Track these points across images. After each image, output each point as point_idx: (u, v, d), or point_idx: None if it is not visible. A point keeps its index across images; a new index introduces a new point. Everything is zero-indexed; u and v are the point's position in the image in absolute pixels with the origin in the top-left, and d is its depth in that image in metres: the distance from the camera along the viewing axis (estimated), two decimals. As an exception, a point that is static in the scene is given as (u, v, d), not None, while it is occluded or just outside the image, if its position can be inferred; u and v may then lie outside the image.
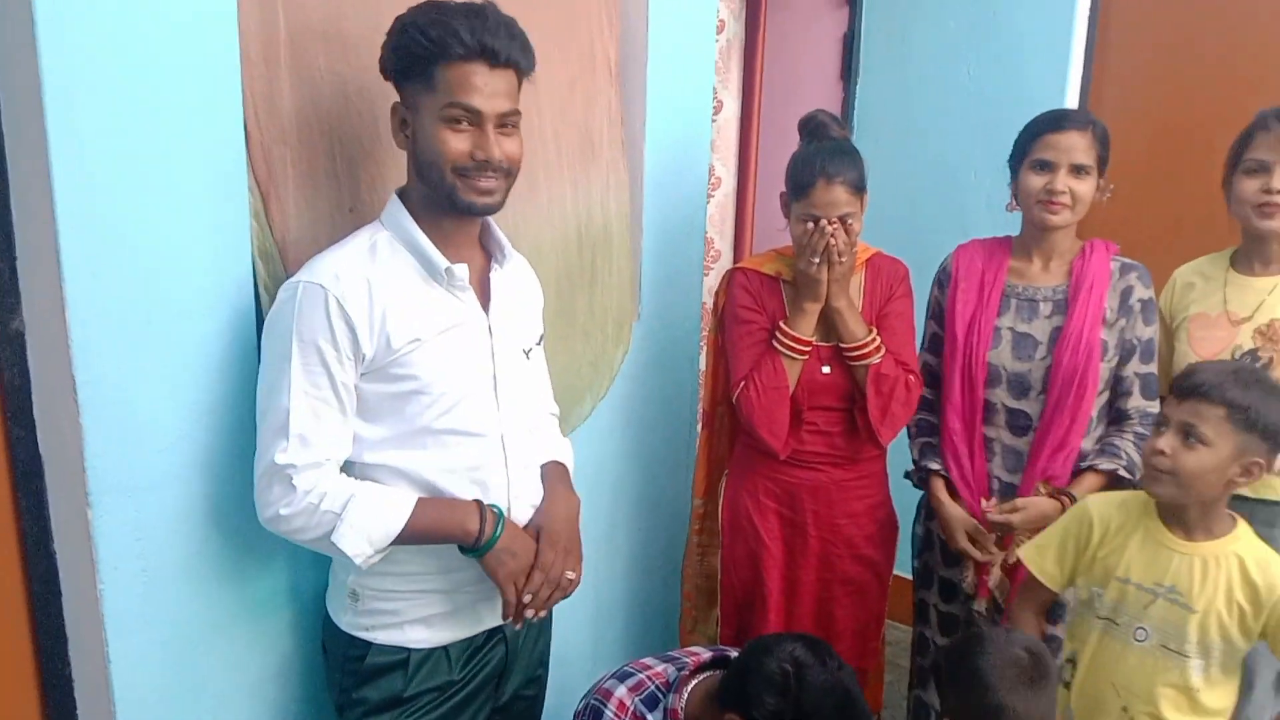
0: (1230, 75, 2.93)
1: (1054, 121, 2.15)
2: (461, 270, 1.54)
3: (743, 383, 2.24)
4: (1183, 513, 1.76)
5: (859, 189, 2.15)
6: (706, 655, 1.98)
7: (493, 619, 1.67)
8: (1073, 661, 1.92)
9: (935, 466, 2.27)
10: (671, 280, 2.63)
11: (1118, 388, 2.18)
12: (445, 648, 1.63)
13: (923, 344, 2.38)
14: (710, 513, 2.51)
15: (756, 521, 2.35)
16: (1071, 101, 3.11)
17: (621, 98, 2.30)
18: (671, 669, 1.95)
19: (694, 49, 2.59)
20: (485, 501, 1.57)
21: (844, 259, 2.14)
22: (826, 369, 2.24)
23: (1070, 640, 1.94)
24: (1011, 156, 2.23)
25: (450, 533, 1.54)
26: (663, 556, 2.80)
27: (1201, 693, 1.77)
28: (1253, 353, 2.08)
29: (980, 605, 2.28)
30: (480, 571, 1.59)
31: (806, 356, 2.21)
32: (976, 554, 2.19)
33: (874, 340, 2.20)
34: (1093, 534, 1.86)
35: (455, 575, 1.61)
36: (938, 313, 2.34)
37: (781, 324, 2.21)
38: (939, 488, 2.26)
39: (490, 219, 1.63)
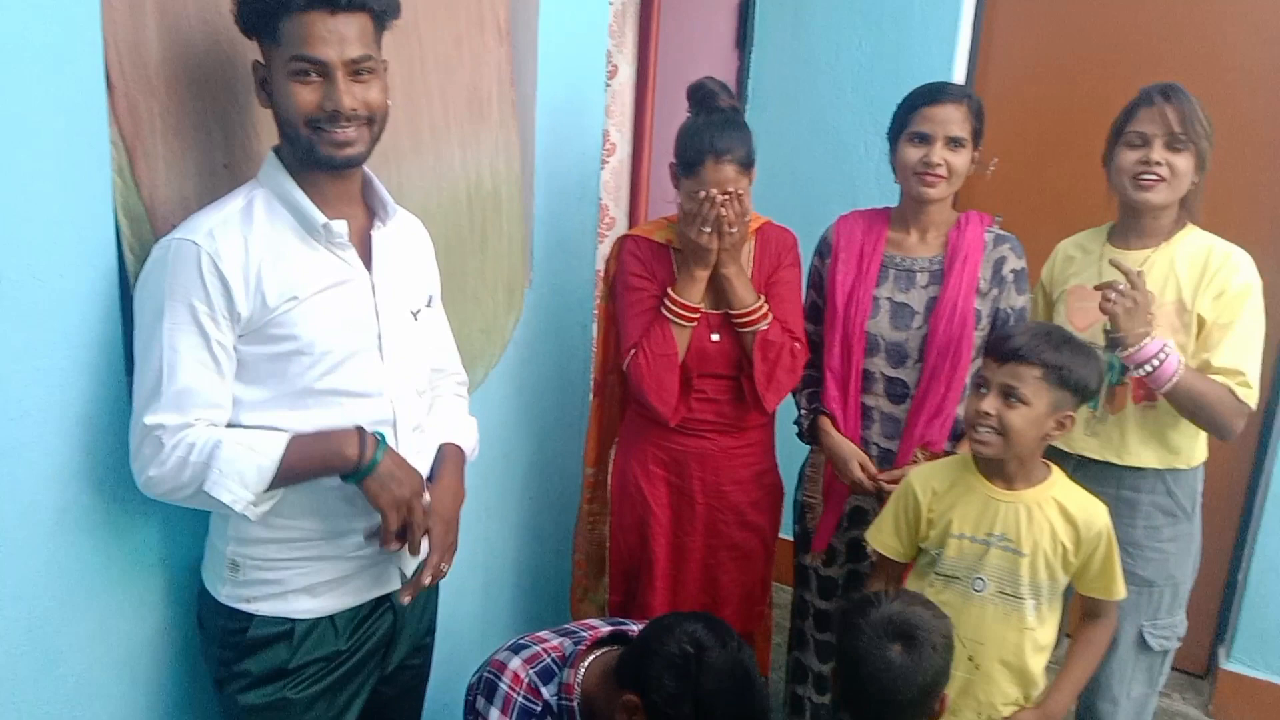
0: (1113, 52, 3.03)
1: (930, 94, 2.18)
2: (340, 226, 1.49)
3: (633, 350, 2.23)
4: (1003, 466, 1.86)
5: (747, 165, 2.15)
6: (604, 630, 1.96)
7: (380, 587, 1.64)
8: None
9: (823, 409, 2.31)
10: (564, 246, 2.60)
11: None
12: (331, 617, 1.59)
13: (805, 312, 2.38)
14: (601, 481, 2.51)
15: (645, 489, 2.36)
16: (959, 76, 3.17)
17: (512, 59, 2.26)
18: (568, 643, 1.93)
19: (586, 11, 2.55)
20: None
21: (734, 229, 2.14)
22: (715, 336, 2.25)
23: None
24: (890, 129, 2.26)
25: (329, 461, 1.48)
26: (555, 525, 2.79)
27: (1036, 631, 1.88)
28: (1111, 283, 2.11)
29: (814, 560, 2.39)
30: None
31: (695, 323, 2.22)
32: (869, 485, 2.23)
33: (762, 307, 2.22)
34: (919, 504, 1.94)
35: (342, 541, 1.57)
36: (818, 282, 2.37)
37: (670, 291, 2.21)
38: (828, 424, 2.30)
39: (373, 176, 1.58)
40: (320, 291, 1.48)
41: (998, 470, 1.88)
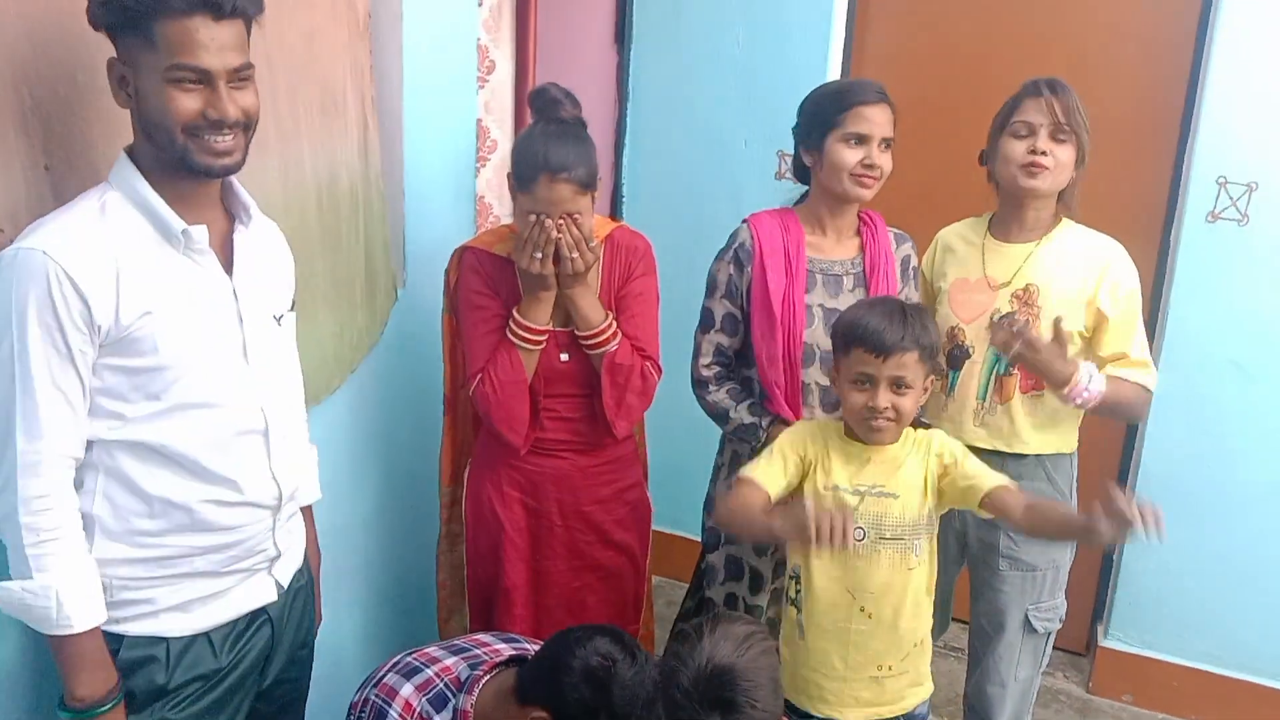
0: (983, 48, 3.08)
1: (866, 93, 2.12)
2: (200, 232, 1.44)
3: (479, 376, 2.13)
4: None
5: (587, 185, 2.01)
6: (504, 651, 1.89)
7: (256, 600, 1.60)
8: (796, 579, 1.98)
9: (779, 417, 2.19)
10: (440, 247, 2.53)
11: None
12: (207, 634, 1.55)
13: (711, 324, 2.27)
14: (458, 499, 2.40)
15: (500, 512, 2.26)
16: (834, 71, 3.20)
17: (373, 54, 2.20)
18: (462, 665, 1.85)
19: (454, 6, 2.50)
20: (240, 495, 1.51)
21: (575, 255, 2.01)
22: (565, 356, 2.16)
23: (793, 557, 1.99)
24: (807, 126, 2.19)
25: (69, 676, 1.42)
26: (432, 538, 2.73)
27: (918, 570, 1.94)
28: (1010, 315, 2.18)
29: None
30: (246, 548, 1.55)
31: (542, 345, 2.12)
32: None
33: (610, 327, 2.12)
34: (797, 447, 1.96)
35: (218, 555, 1.52)
36: (733, 292, 2.24)
37: (515, 313, 2.10)
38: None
39: (233, 179, 1.53)
40: (180, 301, 1.43)
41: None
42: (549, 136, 2.00)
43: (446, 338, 2.33)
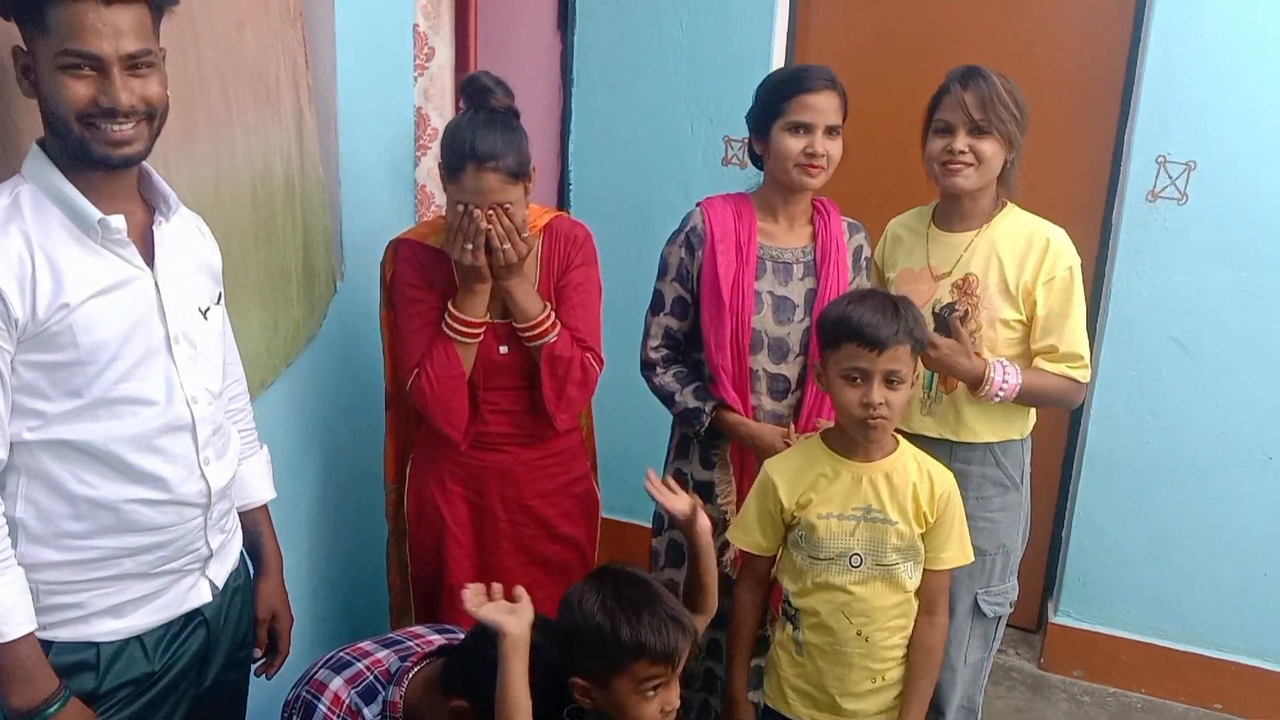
0: (930, 29, 3.10)
1: (808, 81, 2.10)
2: (117, 221, 1.39)
3: (415, 371, 2.09)
4: (857, 442, 1.90)
5: (517, 174, 1.97)
6: (436, 641, 1.88)
7: (189, 601, 1.56)
8: (794, 607, 1.97)
9: (722, 402, 2.18)
10: (379, 236, 2.48)
11: None
12: (139, 637, 1.51)
13: (660, 306, 2.27)
14: (402, 498, 2.36)
15: (442, 508, 2.22)
16: (779, 54, 3.19)
17: (307, 41, 2.15)
18: (393, 657, 1.85)
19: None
20: (168, 493, 1.48)
21: (507, 246, 1.97)
22: (504, 348, 2.12)
23: (791, 584, 1.98)
24: (756, 114, 2.18)
25: (4, 686, 1.38)
26: (380, 534, 2.69)
27: (912, 592, 1.93)
28: (950, 305, 2.18)
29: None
30: (177, 548, 1.51)
31: (480, 338, 2.09)
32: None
33: (548, 319, 2.09)
34: (780, 494, 1.94)
35: (148, 556, 1.49)
36: (683, 275, 2.23)
37: (451, 306, 2.06)
38: (734, 416, 2.19)
39: (151, 170, 1.49)
40: (98, 294, 1.38)
41: (854, 447, 1.90)
42: (477, 125, 1.96)
43: (385, 333, 2.29)
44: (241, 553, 1.73)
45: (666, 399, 2.25)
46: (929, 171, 2.20)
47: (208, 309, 1.57)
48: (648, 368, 2.28)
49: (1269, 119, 2.74)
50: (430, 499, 2.24)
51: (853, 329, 1.81)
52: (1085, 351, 2.18)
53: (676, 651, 1.61)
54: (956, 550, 1.94)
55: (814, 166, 2.09)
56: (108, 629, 1.48)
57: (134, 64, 1.35)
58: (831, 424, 2.13)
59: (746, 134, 3.19)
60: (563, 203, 3.48)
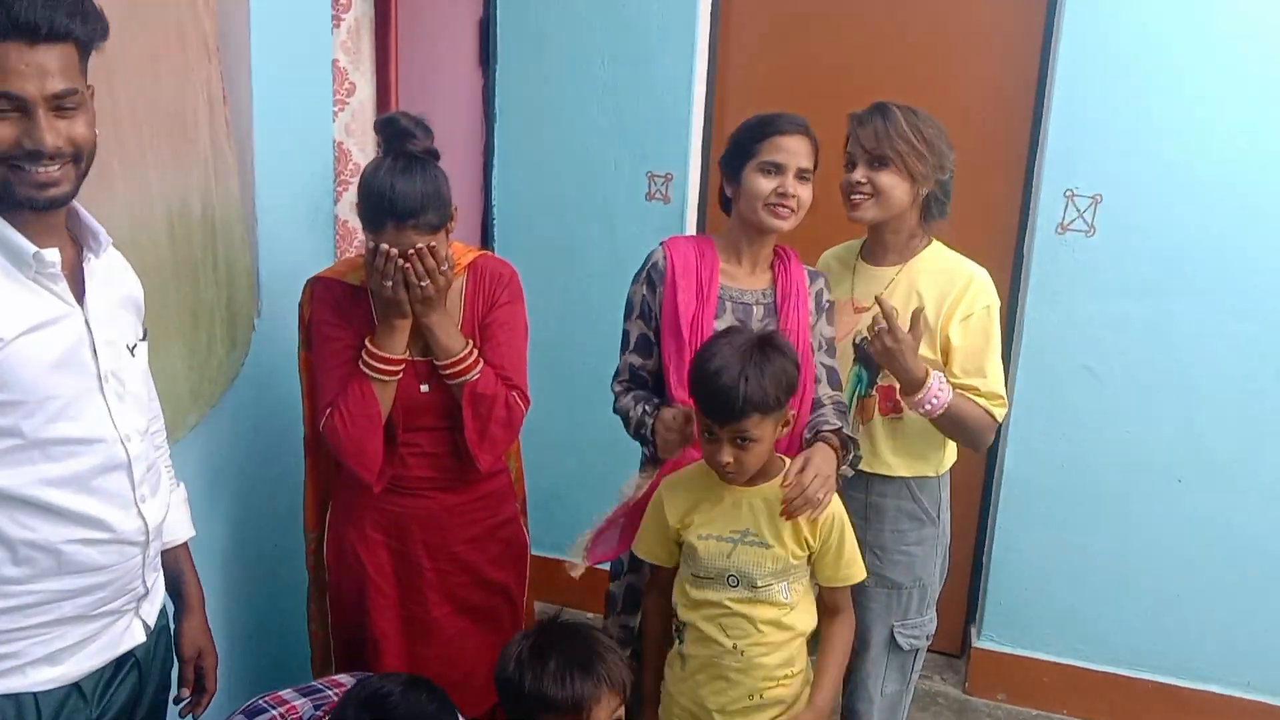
0: (848, 67, 3.16)
1: (782, 124, 2.09)
2: (52, 255, 1.36)
3: (329, 409, 2.02)
4: None
5: (437, 226, 1.94)
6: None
7: (125, 643, 1.53)
8: (681, 621, 1.99)
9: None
10: (297, 274, 2.43)
11: None
12: (77, 684, 1.46)
13: (626, 345, 2.24)
14: (322, 546, 2.28)
15: (363, 556, 2.15)
16: (699, 89, 3.23)
17: (224, 76, 2.12)
18: (308, 706, 1.81)
19: (305, 25, 2.42)
20: (109, 532, 1.45)
21: (425, 282, 1.94)
22: (425, 387, 2.07)
23: (679, 599, 2.00)
24: (729, 156, 2.16)
25: None
26: (300, 582, 2.62)
27: (793, 610, 1.94)
28: (867, 339, 2.18)
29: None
30: (119, 586, 1.49)
31: (398, 377, 2.04)
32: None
33: (470, 356, 2.05)
34: (666, 512, 1.96)
35: (87, 598, 1.45)
36: (646, 313, 2.20)
37: (369, 343, 2.01)
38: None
39: (79, 207, 1.46)
40: (29, 330, 1.34)
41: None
42: (395, 176, 1.90)
43: (304, 375, 2.22)
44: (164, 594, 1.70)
45: (626, 421, 2.20)
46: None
47: (134, 346, 1.55)
48: (616, 399, 2.24)
49: (1172, 153, 2.85)
50: (350, 547, 2.17)
51: (699, 395, 1.85)
52: (1003, 391, 2.20)
53: (581, 702, 1.57)
54: (847, 569, 1.96)
55: (783, 207, 2.08)
56: (44, 678, 1.43)
57: (60, 104, 1.32)
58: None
59: (668, 169, 3.27)
60: (486, 239, 3.46)
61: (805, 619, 1.97)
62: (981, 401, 2.16)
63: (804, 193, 2.10)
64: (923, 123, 2.15)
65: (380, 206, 1.90)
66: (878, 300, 2.07)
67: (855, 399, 2.23)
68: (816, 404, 2.15)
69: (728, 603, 1.91)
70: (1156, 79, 2.83)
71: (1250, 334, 2.88)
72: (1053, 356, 3.02)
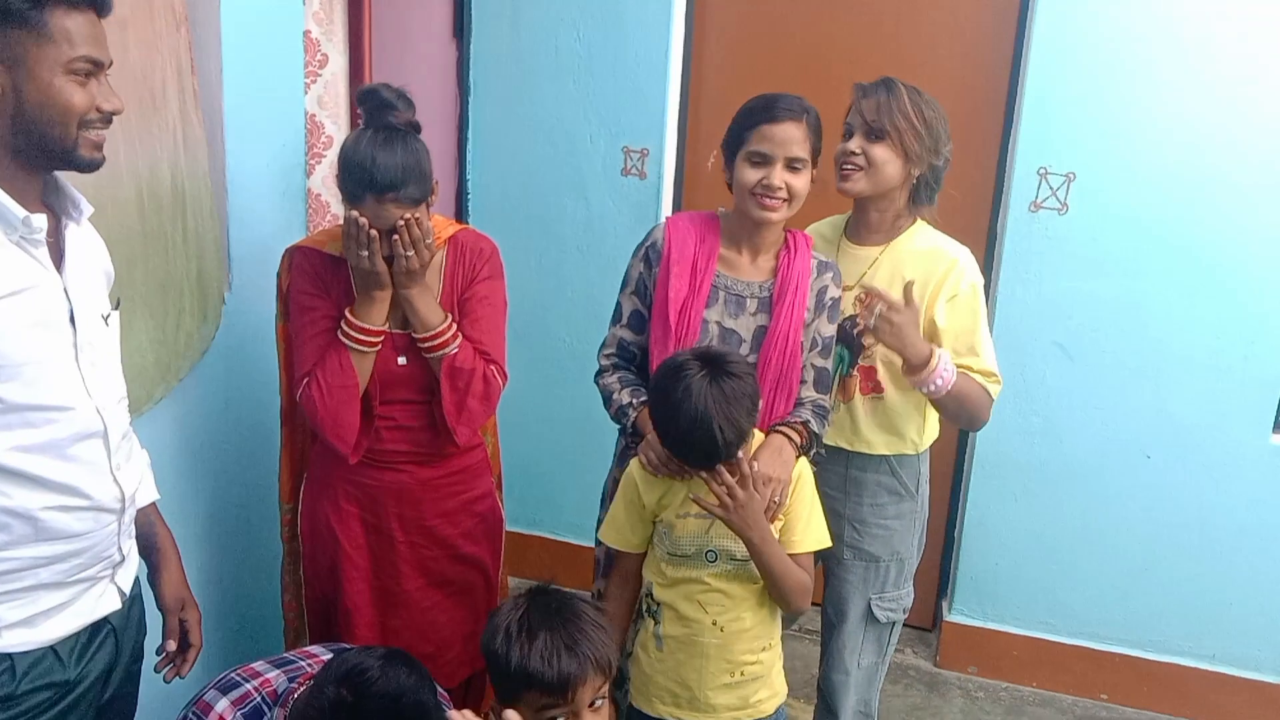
0: (819, 41, 3.16)
1: (768, 111, 2.00)
2: (40, 220, 1.38)
3: (306, 379, 2.02)
4: None
5: (418, 199, 1.93)
6: (326, 659, 1.82)
7: (100, 609, 1.54)
8: (651, 594, 1.99)
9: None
10: (268, 246, 2.43)
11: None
12: (53, 646, 1.49)
13: (619, 318, 2.19)
14: (297, 518, 2.28)
15: (337, 529, 2.15)
16: (676, 64, 3.21)
17: (192, 46, 2.09)
18: (282, 678, 1.79)
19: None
20: (85, 499, 1.46)
21: (411, 254, 1.93)
22: (402, 359, 2.06)
23: (654, 579, 2.00)
24: (726, 143, 2.11)
25: None
26: (274, 555, 2.61)
27: (765, 585, 1.94)
28: (851, 319, 2.19)
29: None
30: (94, 554, 1.50)
31: (378, 348, 2.03)
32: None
33: (449, 329, 2.04)
34: (641, 492, 1.96)
35: (63, 565, 1.46)
36: (641, 290, 2.15)
37: (348, 313, 2.00)
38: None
39: (58, 174, 1.49)
40: (9, 296, 1.35)
41: None
42: (376, 149, 1.89)
43: (281, 346, 2.21)
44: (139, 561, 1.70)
45: (606, 399, 2.17)
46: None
47: (108, 315, 1.56)
48: (598, 373, 2.21)
49: (1145, 132, 2.87)
50: (324, 519, 2.17)
51: (680, 452, 1.87)
52: (996, 368, 2.18)
53: (568, 681, 1.55)
54: (811, 535, 1.96)
55: (769, 199, 2.00)
56: (20, 640, 1.44)
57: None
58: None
59: (644, 144, 3.26)
60: (461, 213, 3.44)
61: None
62: (978, 379, 2.15)
63: (797, 182, 2.01)
64: (925, 104, 2.14)
65: (360, 179, 1.89)
66: (864, 286, 2.03)
67: (837, 378, 2.22)
68: (798, 405, 2.11)
69: (707, 579, 1.92)
70: (1130, 59, 2.85)
71: (1218, 311, 2.91)
72: (1025, 334, 3.04)
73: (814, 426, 2.07)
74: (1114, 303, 2.98)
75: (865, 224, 2.23)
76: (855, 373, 2.21)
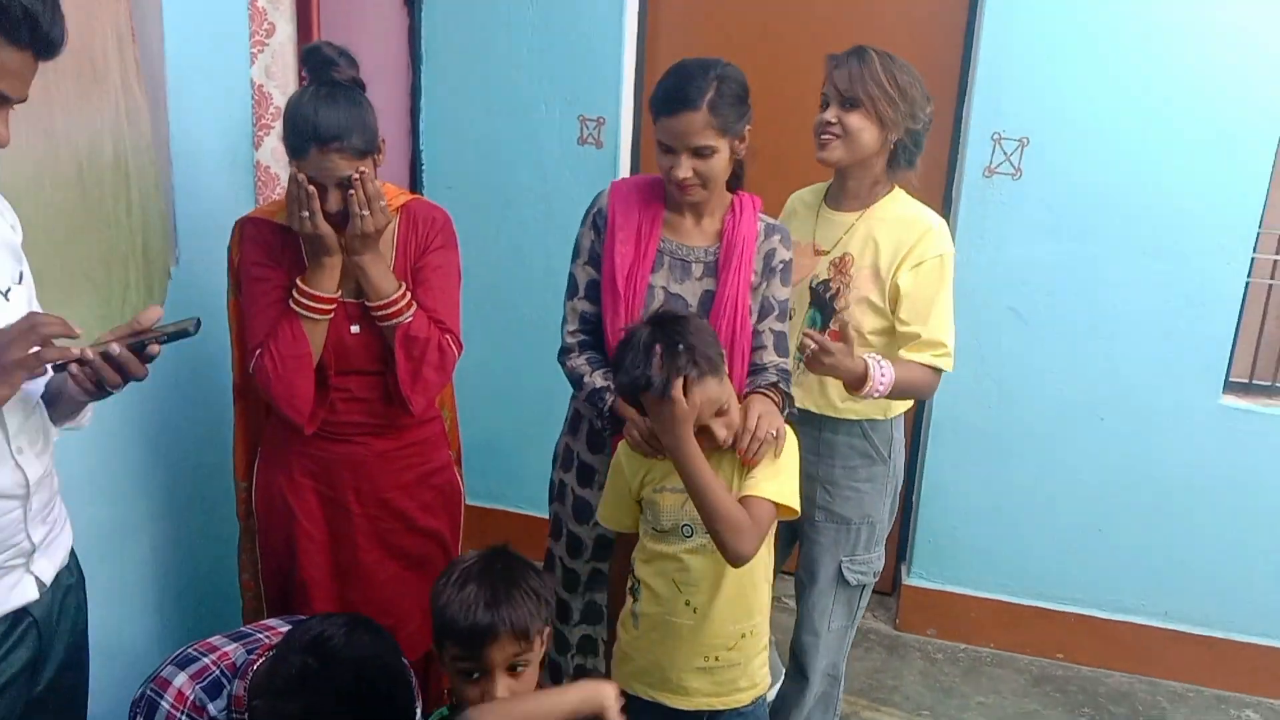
0: (776, 8, 3.12)
1: (665, 104, 1.96)
2: None
3: (258, 350, 2.00)
4: None
5: (364, 152, 1.92)
6: (284, 631, 1.81)
7: (14, 600, 1.48)
8: (636, 578, 1.99)
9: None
10: (216, 219, 2.37)
11: (754, 341, 2.13)
12: None
13: (575, 290, 2.17)
14: (252, 495, 2.26)
15: (292, 502, 2.14)
16: (631, 29, 3.17)
17: (132, 14, 2.03)
18: (240, 650, 1.78)
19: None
20: None
21: (365, 213, 1.91)
22: (355, 328, 2.05)
23: (637, 554, 2.00)
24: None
25: None
26: (224, 539, 2.58)
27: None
28: (825, 283, 2.22)
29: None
30: (2, 540, 1.43)
31: (330, 316, 2.01)
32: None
33: (404, 298, 2.03)
34: (626, 472, 1.96)
35: None
36: (594, 258, 2.14)
37: (300, 281, 1.99)
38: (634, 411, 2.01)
39: None
40: None
41: None
42: (319, 102, 1.88)
43: (234, 321, 2.17)
44: (72, 551, 1.64)
45: (576, 381, 2.15)
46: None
47: (8, 290, 1.48)
48: (563, 352, 2.19)
49: (1097, 97, 2.88)
50: (279, 492, 2.15)
51: (629, 385, 1.80)
52: (949, 340, 2.19)
53: (475, 634, 1.53)
54: (772, 486, 1.85)
55: (684, 186, 2.00)
56: None
57: None
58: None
59: (600, 113, 3.23)
60: (415, 184, 3.40)
61: (756, 573, 1.95)
62: (924, 356, 2.16)
63: (705, 167, 1.98)
64: (898, 69, 2.15)
65: (303, 131, 1.87)
66: (804, 333, 2.02)
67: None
68: (759, 370, 2.11)
69: (682, 555, 1.91)
70: (1081, 25, 2.85)
71: (1169, 274, 2.94)
72: (980, 298, 3.06)
73: (784, 387, 2.07)
74: (1067, 267, 3.00)
75: (844, 190, 2.26)
76: (827, 335, 2.21)
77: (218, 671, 1.74)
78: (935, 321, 2.17)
